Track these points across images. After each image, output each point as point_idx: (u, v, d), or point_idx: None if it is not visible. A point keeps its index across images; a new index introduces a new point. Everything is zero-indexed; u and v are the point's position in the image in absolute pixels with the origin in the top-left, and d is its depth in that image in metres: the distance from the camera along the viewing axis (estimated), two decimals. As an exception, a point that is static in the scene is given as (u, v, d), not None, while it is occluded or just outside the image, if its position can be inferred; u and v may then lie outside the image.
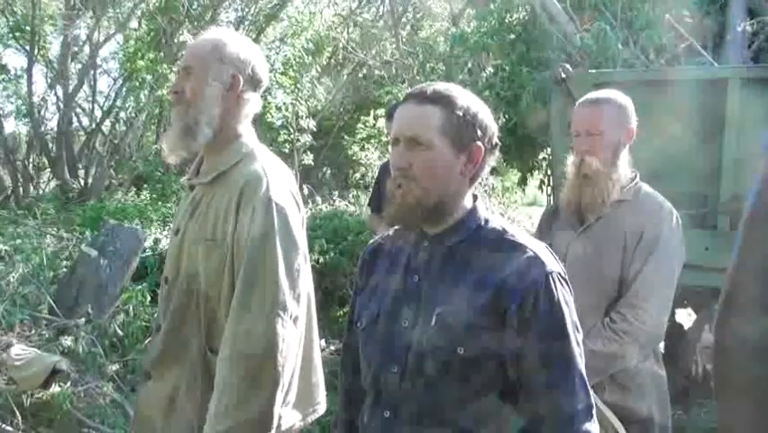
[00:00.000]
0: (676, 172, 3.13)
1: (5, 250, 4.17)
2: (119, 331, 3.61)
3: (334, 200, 7.36)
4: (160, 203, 6.51)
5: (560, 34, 4.62)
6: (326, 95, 9.21)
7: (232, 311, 1.52)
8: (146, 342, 3.55)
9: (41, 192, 8.23)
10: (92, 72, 8.38)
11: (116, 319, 3.65)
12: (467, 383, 1.20)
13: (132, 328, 3.67)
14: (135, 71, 7.48)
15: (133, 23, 8.40)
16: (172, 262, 1.69)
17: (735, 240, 1.01)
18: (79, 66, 8.29)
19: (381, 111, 7.61)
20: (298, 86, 6.76)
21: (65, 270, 4.14)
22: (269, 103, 6.58)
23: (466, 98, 1.25)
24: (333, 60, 9.62)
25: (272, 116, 6.69)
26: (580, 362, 1.20)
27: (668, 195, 2.04)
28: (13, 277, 3.73)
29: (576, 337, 1.20)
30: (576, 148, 2.02)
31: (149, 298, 3.85)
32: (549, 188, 5.40)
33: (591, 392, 1.22)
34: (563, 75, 3.42)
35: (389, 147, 1.29)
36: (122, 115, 8.59)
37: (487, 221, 1.28)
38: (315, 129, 6.93)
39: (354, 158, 8.65)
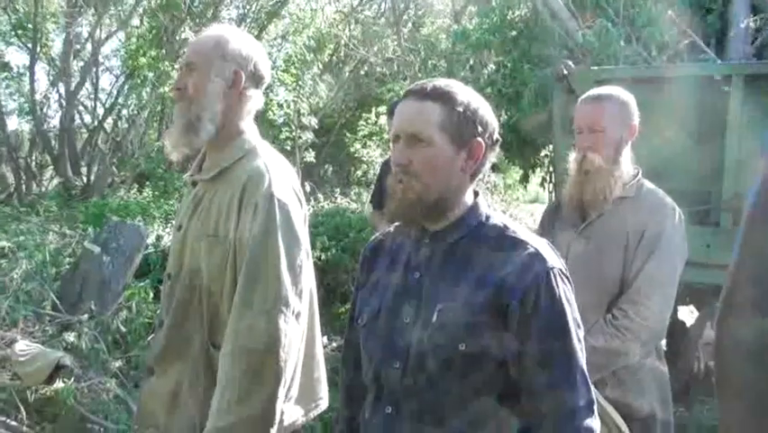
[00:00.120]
0: (678, 169, 3.12)
1: (9, 247, 4.19)
2: (122, 327, 3.62)
3: (336, 197, 7.35)
4: (162, 200, 6.52)
5: (561, 31, 4.62)
6: (328, 92, 9.21)
7: (234, 307, 1.52)
8: (149, 338, 3.56)
9: (43, 189, 8.26)
10: (94, 70, 8.41)
11: (119, 316, 3.66)
12: (468, 381, 1.20)
13: (135, 325, 3.67)
14: (137, 69, 7.50)
15: (135, 21, 8.41)
16: (175, 258, 1.69)
17: (736, 237, 1.02)
18: (81, 63, 8.30)
19: (383, 108, 7.58)
20: (300, 83, 6.75)
21: (68, 266, 4.15)
22: (270, 100, 6.58)
23: (466, 94, 1.25)
24: (334, 58, 9.61)
25: (274, 113, 6.68)
26: (582, 358, 1.20)
27: (670, 192, 2.04)
28: (17, 273, 3.74)
29: (577, 334, 1.20)
30: (578, 145, 2.01)
31: (151, 294, 3.86)
32: (551, 185, 5.40)
33: (593, 388, 1.22)
34: (565, 72, 3.42)
35: (390, 144, 1.29)
36: (124, 112, 8.62)
37: (488, 218, 1.27)
38: (316, 126, 6.92)
39: (356, 155, 8.64)
